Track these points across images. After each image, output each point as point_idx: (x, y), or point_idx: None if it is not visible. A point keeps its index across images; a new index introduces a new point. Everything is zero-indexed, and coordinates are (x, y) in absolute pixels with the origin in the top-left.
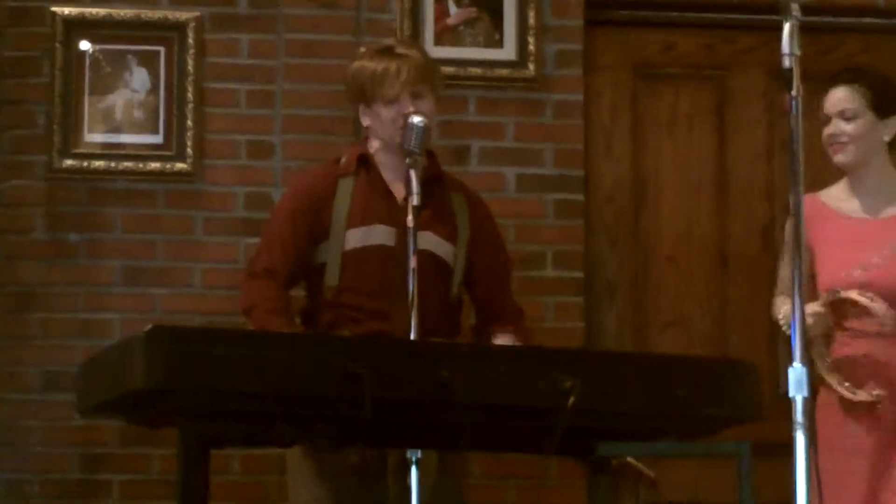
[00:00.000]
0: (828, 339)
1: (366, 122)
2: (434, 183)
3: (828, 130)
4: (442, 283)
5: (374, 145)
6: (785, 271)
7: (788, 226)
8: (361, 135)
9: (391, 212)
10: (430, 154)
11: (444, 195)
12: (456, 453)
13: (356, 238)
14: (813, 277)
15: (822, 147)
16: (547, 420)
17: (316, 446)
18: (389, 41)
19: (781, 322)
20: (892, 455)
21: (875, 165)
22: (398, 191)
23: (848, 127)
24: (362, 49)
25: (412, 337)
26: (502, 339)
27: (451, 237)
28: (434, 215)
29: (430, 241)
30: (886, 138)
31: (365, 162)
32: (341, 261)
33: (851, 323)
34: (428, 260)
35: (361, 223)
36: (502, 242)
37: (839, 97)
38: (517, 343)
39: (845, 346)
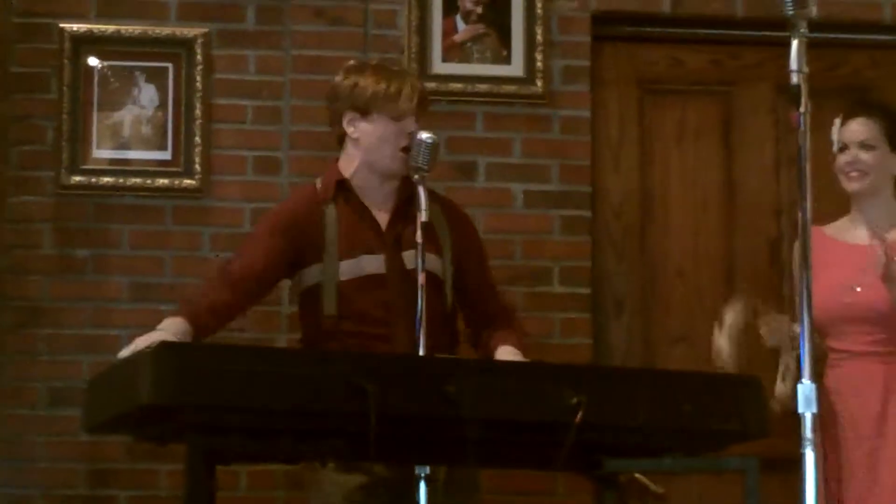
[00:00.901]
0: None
1: (354, 133)
2: (409, 200)
3: (845, 158)
4: (436, 297)
5: (350, 167)
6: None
7: (795, 249)
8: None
9: (376, 240)
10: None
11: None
12: (470, 469)
13: (348, 269)
14: None
15: (833, 173)
16: (554, 436)
17: (323, 462)
18: (374, 61)
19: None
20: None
21: (882, 196)
22: (380, 217)
23: (866, 156)
24: (350, 63)
25: (419, 353)
26: (504, 349)
27: (437, 250)
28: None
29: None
30: (895, 171)
31: (343, 187)
32: (337, 291)
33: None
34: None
35: (350, 255)
36: (481, 243)
37: (859, 127)
38: (519, 349)
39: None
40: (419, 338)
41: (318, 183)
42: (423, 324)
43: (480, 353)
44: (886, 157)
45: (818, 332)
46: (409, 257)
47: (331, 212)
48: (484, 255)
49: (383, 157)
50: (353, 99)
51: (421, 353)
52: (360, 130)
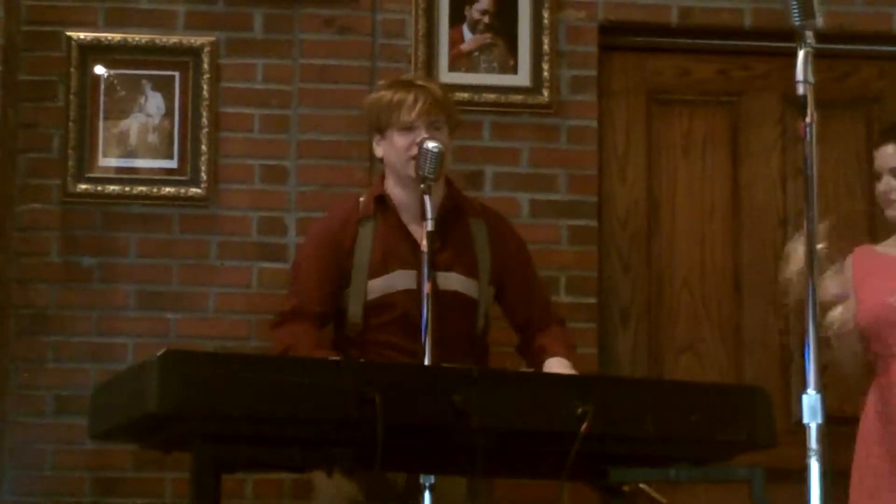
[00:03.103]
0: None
1: (379, 152)
2: (453, 214)
3: (881, 187)
4: (464, 319)
5: (389, 183)
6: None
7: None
8: (377, 171)
9: (412, 255)
10: (448, 182)
11: (464, 226)
12: (486, 479)
13: (378, 288)
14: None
15: (877, 200)
16: (561, 445)
17: (329, 471)
18: (409, 75)
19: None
20: None
21: None
22: (417, 232)
23: None
24: (381, 81)
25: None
26: (553, 361)
27: (473, 272)
28: (455, 254)
29: (455, 281)
30: None
31: (383, 202)
32: (363, 311)
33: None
34: (454, 300)
35: (383, 271)
36: (527, 256)
37: (887, 155)
38: (567, 360)
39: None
40: (427, 348)
41: (363, 196)
42: (430, 333)
43: (528, 362)
44: None
45: (862, 339)
46: (442, 277)
47: (365, 230)
48: (529, 266)
49: (402, 169)
50: (371, 120)
51: (427, 361)
52: (382, 149)
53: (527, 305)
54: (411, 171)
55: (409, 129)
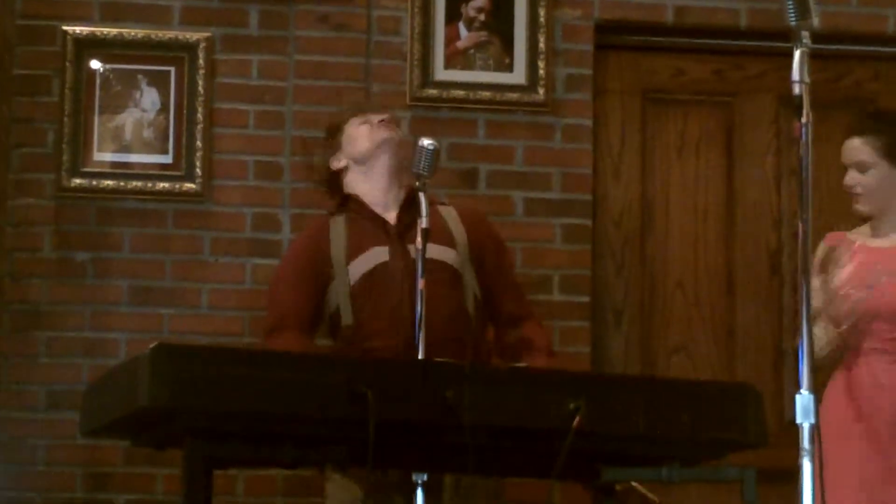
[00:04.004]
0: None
1: (341, 162)
2: (414, 203)
3: (845, 181)
4: (454, 290)
5: (350, 184)
6: (815, 301)
7: (817, 254)
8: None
9: (383, 233)
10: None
11: (433, 209)
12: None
13: (358, 268)
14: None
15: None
16: (552, 443)
17: (321, 468)
18: None
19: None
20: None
21: (894, 208)
22: (388, 216)
23: (863, 178)
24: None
25: (419, 356)
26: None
27: (450, 242)
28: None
29: (431, 250)
30: None
31: (348, 200)
32: (350, 298)
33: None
34: (435, 269)
35: (359, 252)
36: (501, 240)
37: (854, 148)
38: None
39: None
40: (419, 343)
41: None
42: (423, 327)
43: (508, 355)
44: (887, 174)
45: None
46: (413, 249)
47: (338, 225)
48: (503, 250)
49: (370, 156)
50: (326, 140)
51: (420, 356)
52: (343, 154)
53: (504, 289)
54: (373, 144)
55: (362, 119)
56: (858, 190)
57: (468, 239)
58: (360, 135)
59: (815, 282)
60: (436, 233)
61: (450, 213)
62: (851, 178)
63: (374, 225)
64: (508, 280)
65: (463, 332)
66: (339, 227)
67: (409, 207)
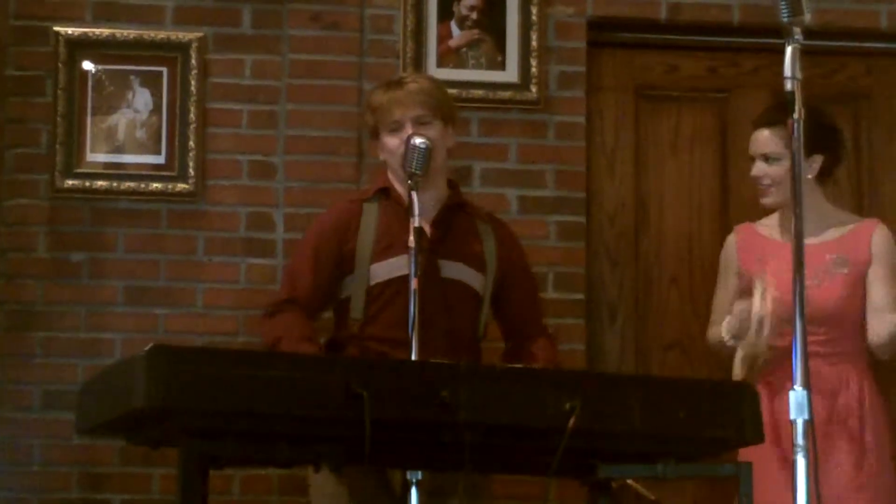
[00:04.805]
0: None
1: (381, 156)
2: (457, 210)
3: (753, 172)
4: (473, 314)
5: (392, 180)
6: (718, 299)
7: (723, 254)
8: (374, 168)
9: (416, 241)
10: (450, 183)
11: (471, 224)
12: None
13: (381, 272)
14: (743, 297)
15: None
16: (548, 441)
17: (317, 467)
18: (401, 73)
19: (728, 340)
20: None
21: (805, 203)
22: (422, 223)
23: (770, 170)
24: (377, 83)
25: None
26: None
27: (480, 267)
28: (460, 245)
29: (462, 272)
30: (809, 176)
31: (386, 193)
32: (366, 295)
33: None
34: (459, 290)
35: (385, 255)
36: (529, 267)
37: (761, 140)
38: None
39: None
40: (413, 344)
41: (365, 185)
42: (416, 329)
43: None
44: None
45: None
46: (445, 266)
47: (370, 211)
48: (530, 276)
49: (398, 169)
50: (369, 124)
51: (414, 356)
52: (381, 151)
53: (524, 311)
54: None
55: (396, 129)
56: (766, 182)
57: (497, 265)
58: (391, 147)
59: (736, 307)
60: (470, 256)
61: (487, 234)
62: (759, 169)
63: (406, 230)
64: (525, 306)
65: (473, 351)
66: (370, 218)
67: (446, 216)
